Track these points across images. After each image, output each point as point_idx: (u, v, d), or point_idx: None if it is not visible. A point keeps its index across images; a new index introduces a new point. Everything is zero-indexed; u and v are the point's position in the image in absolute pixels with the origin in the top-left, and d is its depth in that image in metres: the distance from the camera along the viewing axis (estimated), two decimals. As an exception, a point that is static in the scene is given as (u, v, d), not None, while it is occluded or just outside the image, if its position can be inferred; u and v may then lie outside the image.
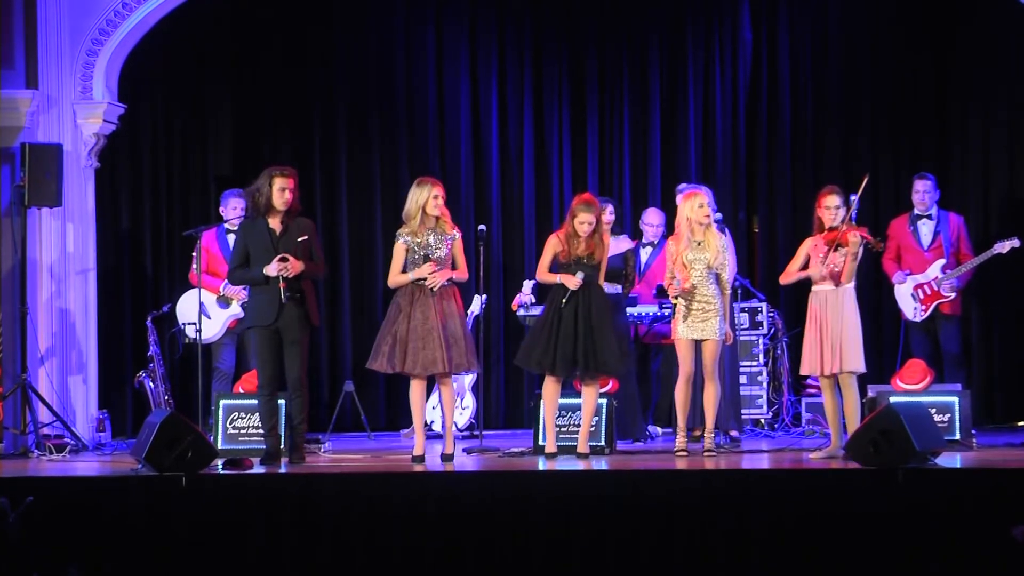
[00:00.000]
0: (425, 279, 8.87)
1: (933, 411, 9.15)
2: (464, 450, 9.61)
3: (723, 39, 12.17)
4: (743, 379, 10.90)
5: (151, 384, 10.74)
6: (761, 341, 11.25)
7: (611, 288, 9.44)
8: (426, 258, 8.88)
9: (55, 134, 10.58)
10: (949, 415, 9.52)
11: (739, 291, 10.83)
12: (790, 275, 9.05)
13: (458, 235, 9.03)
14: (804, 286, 9.16)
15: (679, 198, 9.57)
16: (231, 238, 10.58)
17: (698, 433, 9.38)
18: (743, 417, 10.61)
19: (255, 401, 9.37)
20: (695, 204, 9.09)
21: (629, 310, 10.61)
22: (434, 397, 10.33)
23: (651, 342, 10.75)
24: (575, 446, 9.16)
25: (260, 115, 12.23)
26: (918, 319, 10.66)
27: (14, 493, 7.51)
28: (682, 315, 9.02)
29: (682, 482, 8.00)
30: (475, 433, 10.60)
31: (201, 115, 12.14)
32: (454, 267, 9.00)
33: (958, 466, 8.40)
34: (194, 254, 10.05)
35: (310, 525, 7.80)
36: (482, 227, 9.73)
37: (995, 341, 11.79)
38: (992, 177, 11.85)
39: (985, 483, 7.74)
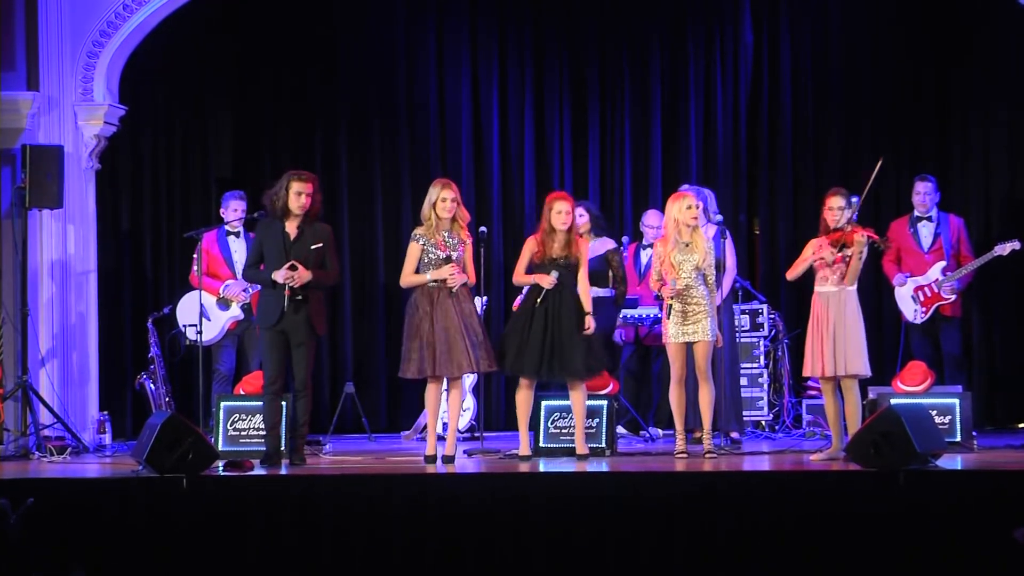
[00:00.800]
0: (444, 280, 8.89)
1: (934, 413, 9.15)
2: (464, 452, 9.61)
3: (724, 41, 12.18)
4: (744, 381, 10.90)
5: (152, 386, 10.74)
6: (762, 343, 11.24)
7: (595, 292, 9.43)
8: (447, 259, 8.90)
9: (56, 136, 10.58)
10: (950, 417, 9.51)
11: (740, 293, 10.84)
12: (797, 268, 8.99)
13: (470, 241, 9.06)
14: (806, 287, 9.15)
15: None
16: (232, 240, 10.60)
17: (698, 435, 9.38)
18: (744, 419, 10.61)
19: (256, 403, 9.39)
20: (683, 205, 9.07)
21: (629, 312, 10.62)
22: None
23: (652, 344, 10.75)
24: (575, 448, 9.16)
25: (261, 117, 12.24)
26: (918, 321, 10.66)
27: (15, 494, 7.50)
28: (673, 318, 9.01)
29: (682, 484, 7.98)
30: (476, 435, 10.60)
31: (202, 117, 12.15)
32: (464, 270, 9.04)
33: (959, 468, 8.39)
34: (195, 256, 10.06)
35: (311, 526, 7.80)
36: (483, 229, 9.74)
37: (996, 343, 11.79)
38: (992, 179, 11.85)
39: (986, 485, 7.73)
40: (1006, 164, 11.80)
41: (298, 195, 8.94)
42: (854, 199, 8.88)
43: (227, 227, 10.61)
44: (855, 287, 8.82)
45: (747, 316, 11.18)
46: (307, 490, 7.99)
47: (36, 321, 10.45)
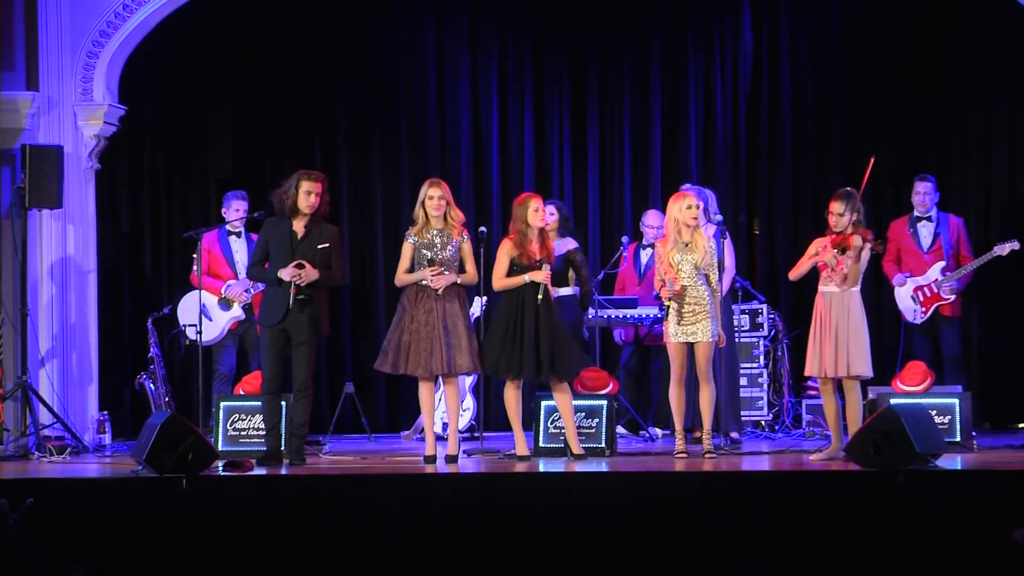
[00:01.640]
0: (428, 281, 8.91)
1: (933, 413, 9.15)
2: (464, 452, 9.60)
3: (724, 42, 12.17)
4: (743, 381, 10.91)
5: (152, 386, 10.74)
6: (761, 343, 11.24)
7: (556, 291, 9.42)
8: (431, 260, 8.91)
9: (56, 136, 10.58)
10: (949, 417, 9.51)
11: (739, 293, 10.83)
12: (799, 268, 8.98)
13: (466, 238, 9.04)
14: (806, 287, 9.15)
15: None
16: (233, 240, 10.60)
17: (698, 435, 9.38)
18: (743, 419, 10.61)
19: (256, 403, 9.39)
20: (683, 205, 9.06)
21: (629, 312, 10.62)
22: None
23: (651, 344, 10.75)
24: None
25: (261, 117, 12.24)
26: (918, 321, 10.66)
27: (14, 494, 7.50)
28: (673, 318, 9.01)
29: (682, 484, 7.99)
30: (475, 435, 10.60)
31: (201, 117, 12.16)
32: (462, 270, 9.02)
33: (958, 468, 8.39)
34: (195, 256, 10.06)
35: (311, 526, 7.80)
36: (483, 229, 9.74)
37: (995, 343, 11.79)
38: (992, 179, 11.85)
39: (985, 485, 7.73)
40: (1006, 164, 11.79)
41: (308, 194, 8.96)
42: (855, 202, 8.87)
43: (228, 227, 10.61)
44: (858, 288, 8.82)
45: (747, 316, 11.18)
46: (307, 490, 8.00)
47: (36, 321, 10.45)
